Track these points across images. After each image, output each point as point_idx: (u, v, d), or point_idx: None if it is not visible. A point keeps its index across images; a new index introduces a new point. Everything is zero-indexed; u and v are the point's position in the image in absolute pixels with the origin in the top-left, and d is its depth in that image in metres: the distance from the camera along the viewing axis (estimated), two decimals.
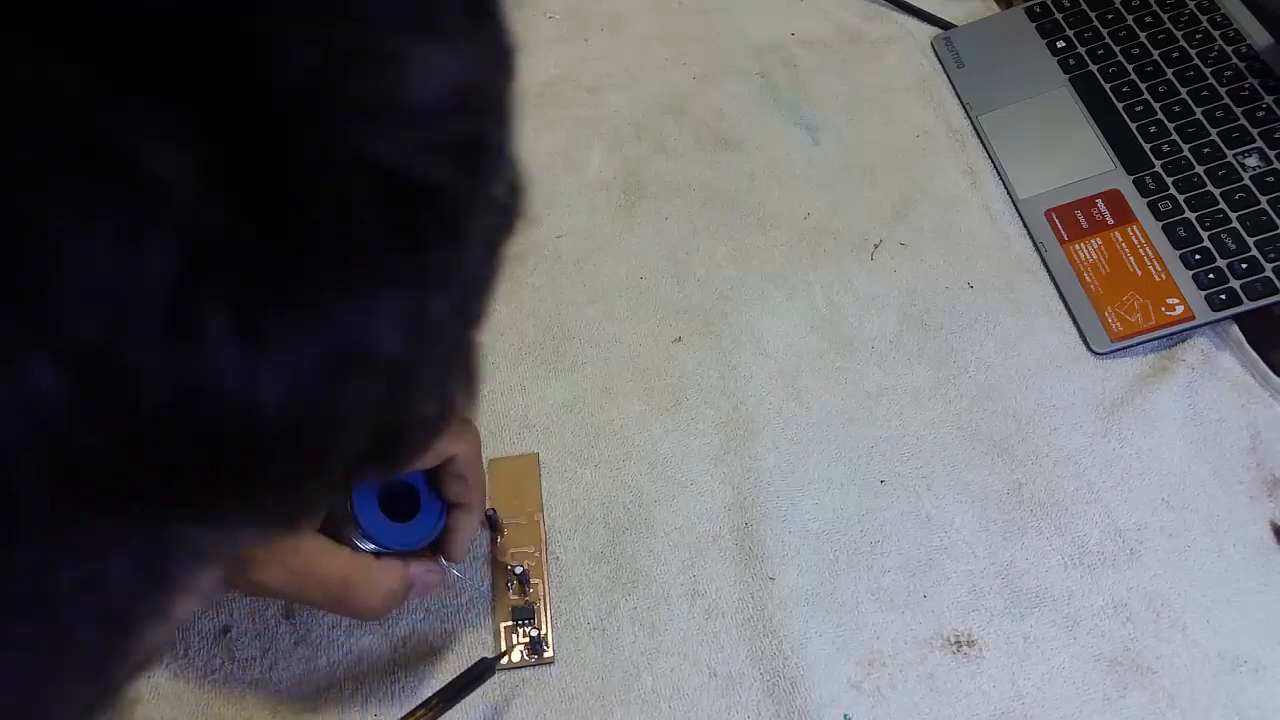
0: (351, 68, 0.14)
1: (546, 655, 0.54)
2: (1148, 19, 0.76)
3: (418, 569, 0.49)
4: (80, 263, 0.12)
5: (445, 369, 0.17)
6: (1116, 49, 0.76)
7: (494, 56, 0.17)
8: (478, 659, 0.52)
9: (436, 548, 0.51)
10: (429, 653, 0.54)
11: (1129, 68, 0.74)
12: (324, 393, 0.15)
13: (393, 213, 0.15)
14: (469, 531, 0.51)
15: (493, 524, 0.56)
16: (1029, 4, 0.81)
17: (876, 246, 0.70)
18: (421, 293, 0.16)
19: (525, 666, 0.54)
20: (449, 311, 0.16)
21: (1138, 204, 0.68)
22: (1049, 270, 0.68)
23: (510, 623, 0.55)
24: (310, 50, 0.13)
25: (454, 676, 0.50)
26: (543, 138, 0.76)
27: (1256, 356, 0.62)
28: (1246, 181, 0.66)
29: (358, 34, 0.14)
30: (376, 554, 0.48)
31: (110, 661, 0.18)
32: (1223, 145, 0.68)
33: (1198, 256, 0.65)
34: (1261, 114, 0.69)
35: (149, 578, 0.17)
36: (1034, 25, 0.80)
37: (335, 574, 0.46)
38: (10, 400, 0.12)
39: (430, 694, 0.49)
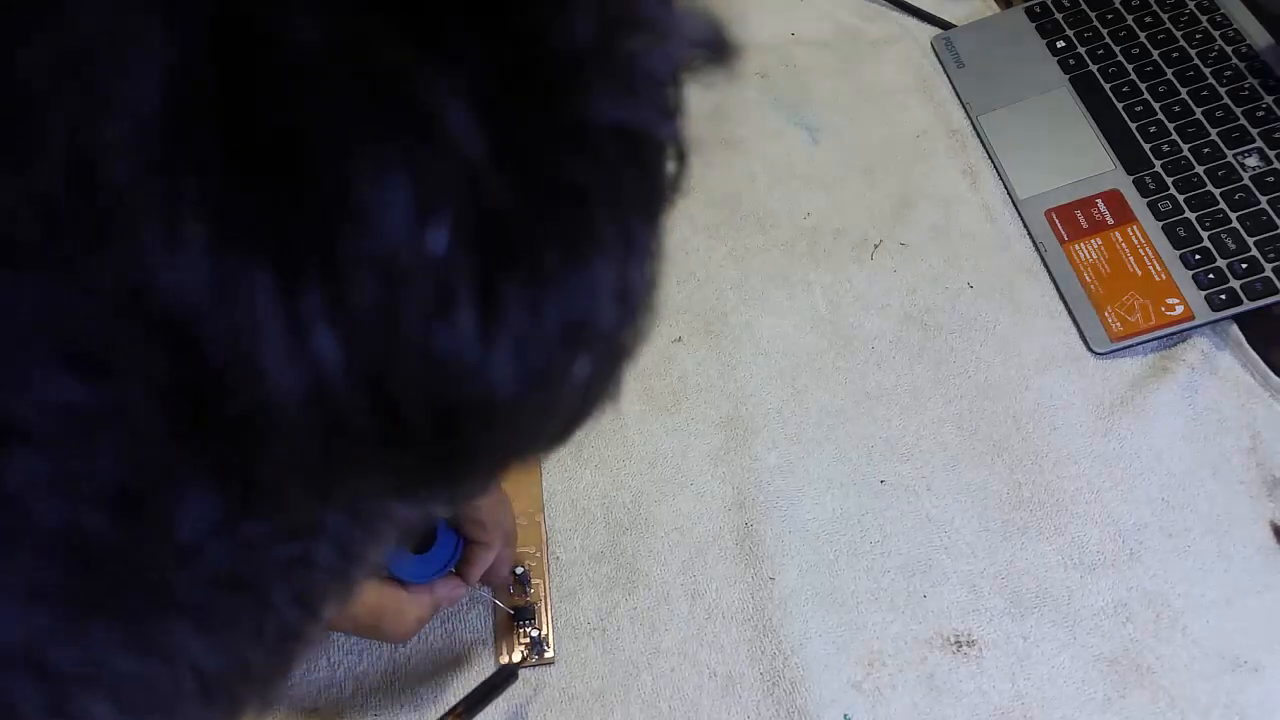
0: (624, 32, 0.14)
1: (547, 655, 0.54)
2: (1148, 19, 0.76)
3: (443, 590, 0.50)
4: (373, 231, 0.12)
5: (636, 347, 0.17)
6: (1116, 49, 0.76)
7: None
8: (500, 666, 0.52)
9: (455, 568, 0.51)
10: (429, 652, 0.54)
11: (1129, 68, 0.74)
12: (556, 367, 0.15)
13: (636, 179, 0.15)
14: (483, 566, 0.51)
15: (522, 581, 0.56)
16: (1029, 4, 0.81)
17: (876, 246, 0.70)
18: (629, 262, 0.16)
19: (526, 666, 0.54)
20: (644, 285, 0.16)
21: (1138, 204, 0.68)
22: (1049, 270, 0.68)
23: (511, 623, 0.55)
24: (589, 15, 0.13)
25: (475, 685, 0.50)
26: None
27: (1256, 356, 0.62)
28: (1246, 181, 0.66)
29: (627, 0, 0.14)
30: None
31: (296, 642, 0.18)
32: (1223, 145, 0.68)
33: (1198, 256, 0.65)
34: (1261, 114, 0.69)
35: (347, 553, 0.17)
36: (1034, 25, 0.80)
37: (367, 606, 0.47)
38: (289, 364, 0.12)
39: (455, 701, 0.50)
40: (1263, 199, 0.65)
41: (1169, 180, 0.68)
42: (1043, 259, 0.68)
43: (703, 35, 0.16)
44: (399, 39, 0.12)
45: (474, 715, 0.49)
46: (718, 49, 0.16)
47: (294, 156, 0.12)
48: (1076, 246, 0.68)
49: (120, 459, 0.12)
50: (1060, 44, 0.78)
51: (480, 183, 0.13)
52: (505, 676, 0.51)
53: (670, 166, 0.17)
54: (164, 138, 0.11)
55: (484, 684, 0.50)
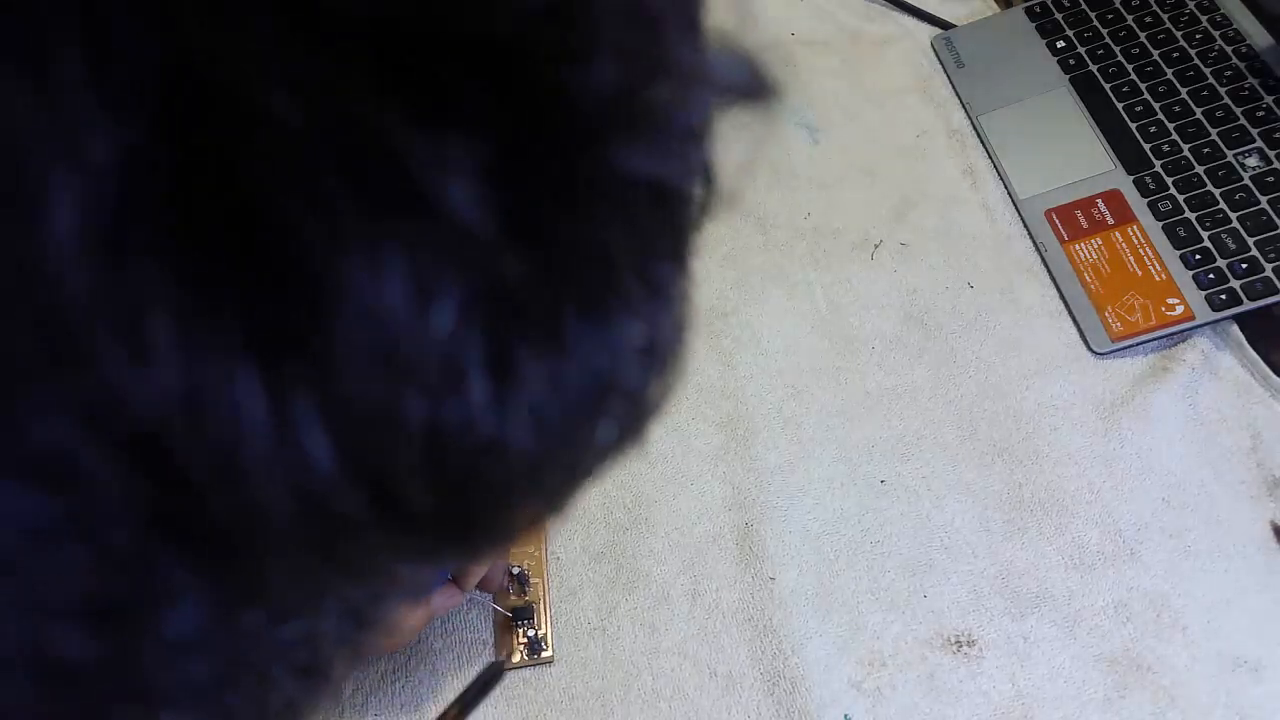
0: (651, 80, 0.13)
1: (546, 655, 0.54)
2: (1148, 19, 0.76)
3: (439, 600, 0.50)
4: (368, 320, 0.11)
5: (664, 401, 0.16)
6: (1116, 49, 0.76)
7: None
8: (488, 664, 0.52)
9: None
10: (429, 653, 0.54)
11: (1129, 68, 0.74)
12: (578, 432, 0.14)
13: (661, 228, 0.14)
14: (479, 574, 0.51)
15: (520, 580, 0.56)
16: (1029, 4, 0.81)
17: (876, 246, 0.70)
18: (656, 313, 0.14)
19: (525, 666, 0.54)
20: (673, 334, 0.15)
21: (1138, 204, 0.68)
22: (1049, 270, 0.67)
23: (510, 623, 0.55)
24: (612, 62, 0.12)
25: (466, 684, 0.50)
26: None
27: (1256, 356, 0.62)
28: (1246, 181, 0.66)
29: (654, 42, 0.13)
30: None
31: (304, 706, 0.17)
32: (1223, 145, 0.68)
33: (1198, 256, 0.65)
34: (1261, 114, 0.69)
35: (355, 621, 0.16)
36: (1034, 25, 0.80)
37: None
38: (278, 469, 0.11)
39: (447, 705, 0.49)
40: (1263, 199, 0.65)
41: (1169, 180, 0.68)
42: (1043, 259, 0.68)
43: (739, 79, 0.15)
44: (390, 104, 0.11)
45: (467, 716, 0.49)
46: (756, 93, 0.15)
47: (273, 242, 0.10)
48: (1076, 246, 0.67)
49: (93, 571, 0.11)
50: (1060, 44, 0.78)
51: (489, 255, 0.12)
52: (493, 674, 0.50)
53: (699, 201, 0.15)
54: (114, 232, 0.10)
55: (472, 684, 0.50)
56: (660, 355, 0.15)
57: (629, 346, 0.14)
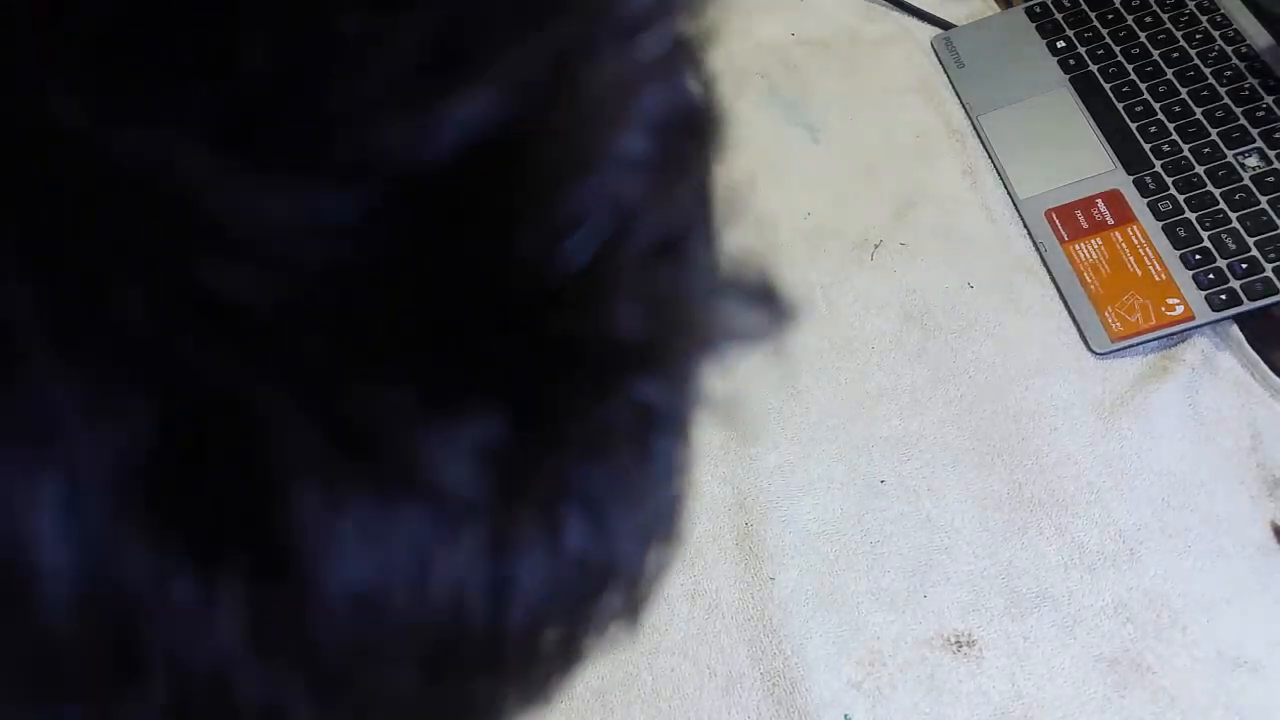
0: (671, 333, 0.14)
1: None
2: (1148, 19, 0.76)
3: None
4: (358, 597, 0.11)
5: (661, 577, 0.17)
6: (1116, 49, 0.76)
7: None
8: None
9: None
10: None
11: (1129, 68, 0.74)
12: (574, 617, 0.14)
13: (662, 436, 0.15)
14: None
15: None
16: (1029, 4, 0.81)
17: (876, 246, 0.70)
18: (651, 499, 0.15)
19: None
20: (670, 512, 0.16)
21: (1138, 204, 0.68)
22: (1049, 270, 0.67)
23: None
24: (636, 316, 0.13)
25: None
26: None
27: (1256, 356, 0.62)
28: (1246, 181, 0.66)
29: (676, 298, 0.14)
30: None
31: None
32: (1223, 145, 0.68)
33: (1198, 256, 0.65)
34: (1261, 114, 0.69)
35: None
36: (1034, 25, 0.80)
37: None
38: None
39: None
40: (1263, 199, 0.65)
41: (1169, 180, 0.68)
42: (1043, 259, 0.68)
43: (757, 331, 0.16)
44: (409, 405, 0.11)
45: None
46: (771, 336, 0.16)
47: (272, 544, 0.11)
48: (1076, 246, 0.67)
49: None
50: (1060, 44, 0.78)
51: (487, 515, 0.12)
52: None
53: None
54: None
55: None
56: (655, 538, 0.16)
57: (627, 534, 0.14)
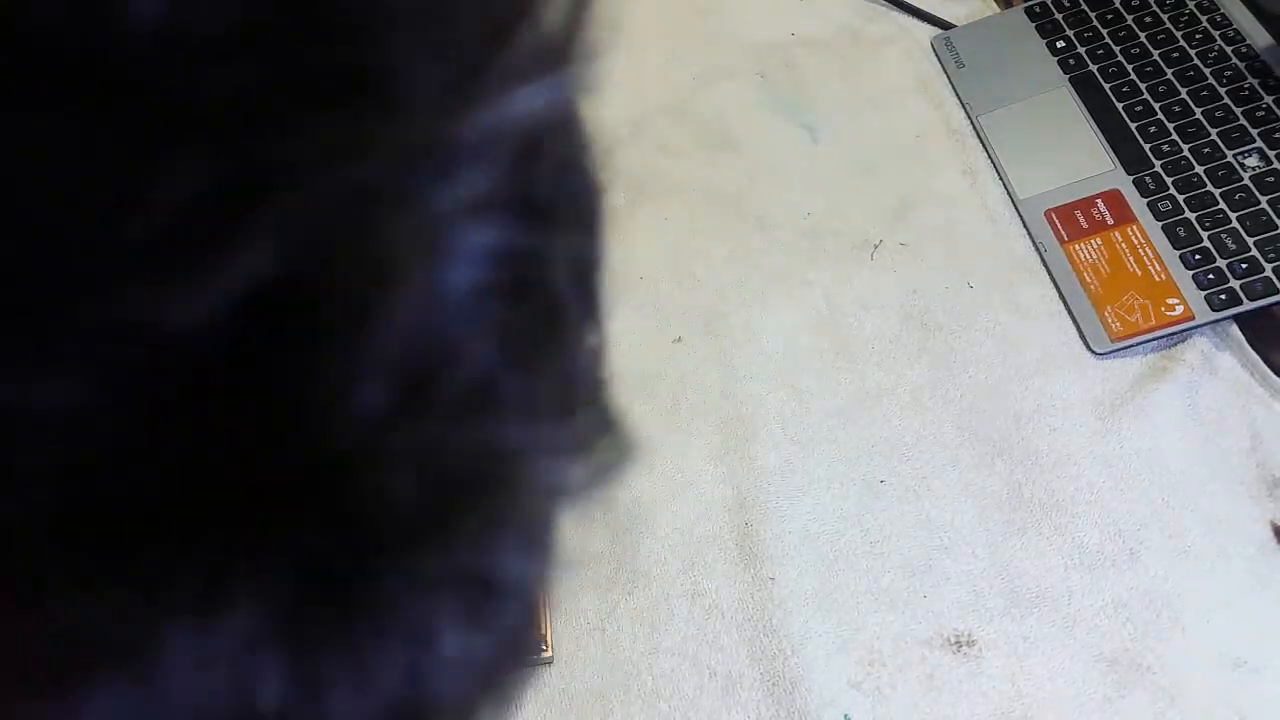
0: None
1: (545, 655, 0.54)
2: (1148, 19, 0.76)
3: None
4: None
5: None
6: (1116, 49, 0.76)
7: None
8: None
9: None
10: None
11: (1129, 68, 0.74)
12: None
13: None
14: None
15: None
16: (1029, 4, 0.81)
17: (876, 246, 0.70)
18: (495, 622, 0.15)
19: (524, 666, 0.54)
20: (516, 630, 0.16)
21: (1138, 204, 0.68)
22: (1049, 270, 0.67)
23: None
24: (412, 486, 0.13)
25: None
26: None
27: (1256, 356, 0.62)
28: (1246, 181, 0.66)
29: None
30: None
31: None
32: (1223, 145, 0.68)
33: (1198, 256, 0.65)
34: (1261, 114, 0.69)
35: None
36: (1034, 25, 0.80)
37: None
38: None
39: None
40: (1263, 199, 0.65)
41: (1169, 180, 0.68)
42: (1043, 259, 0.68)
43: (579, 486, 0.16)
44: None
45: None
46: (596, 489, 0.16)
47: None
48: (1076, 246, 0.67)
49: None
50: (1060, 44, 0.78)
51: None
52: None
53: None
54: None
55: None
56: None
57: (455, 662, 0.14)
